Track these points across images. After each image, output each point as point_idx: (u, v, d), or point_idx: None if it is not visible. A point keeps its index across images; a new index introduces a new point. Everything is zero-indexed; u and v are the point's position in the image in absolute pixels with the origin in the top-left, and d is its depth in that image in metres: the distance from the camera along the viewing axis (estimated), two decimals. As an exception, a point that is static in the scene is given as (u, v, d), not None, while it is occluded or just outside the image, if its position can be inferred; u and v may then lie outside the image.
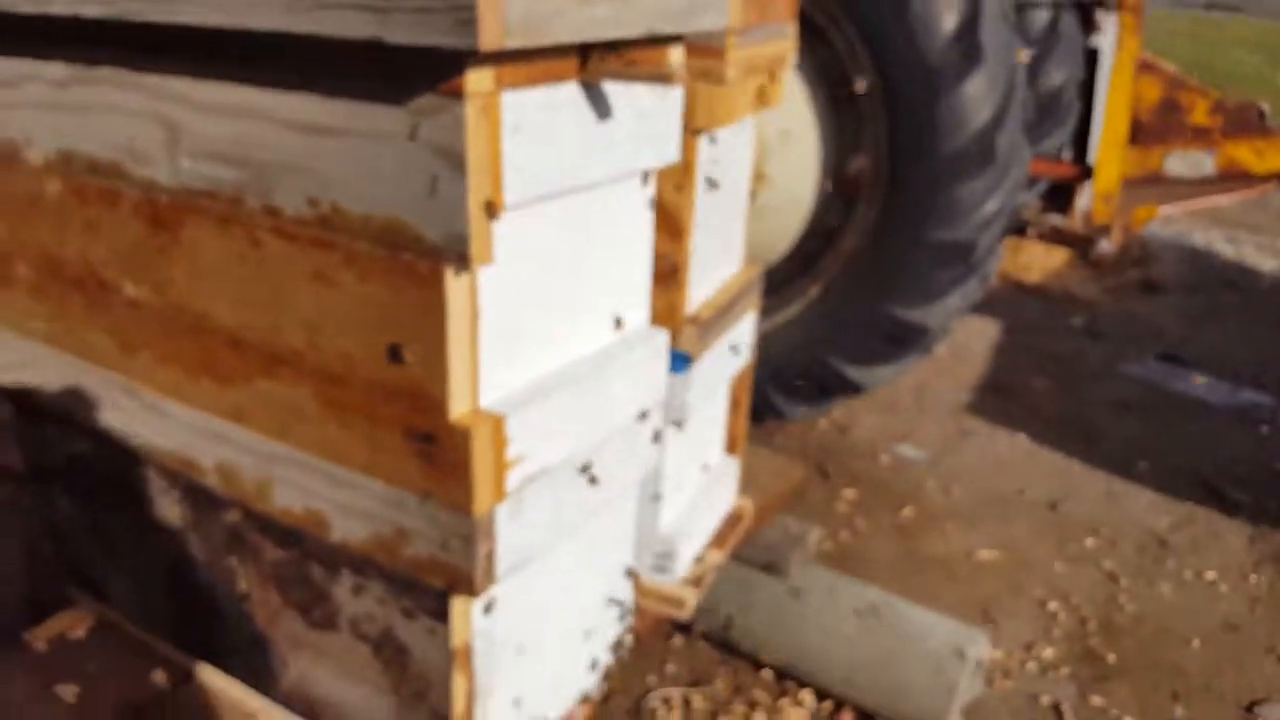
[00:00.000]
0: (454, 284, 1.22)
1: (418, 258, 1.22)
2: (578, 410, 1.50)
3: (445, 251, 1.19)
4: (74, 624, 2.00)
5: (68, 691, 1.83)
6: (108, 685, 1.85)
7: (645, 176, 1.57)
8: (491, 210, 1.18)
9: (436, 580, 1.42)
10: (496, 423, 1.32)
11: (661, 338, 1.68)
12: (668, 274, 1.84)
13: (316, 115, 1.28)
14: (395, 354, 1.30)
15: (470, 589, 1.39)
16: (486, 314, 1.29)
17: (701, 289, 1.98)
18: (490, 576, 1.41)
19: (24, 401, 1.94)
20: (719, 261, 2.06)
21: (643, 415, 1.69)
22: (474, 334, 1.28)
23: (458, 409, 1.31)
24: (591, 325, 1.57)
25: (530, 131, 1.24)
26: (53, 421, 1.91)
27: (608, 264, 1.56)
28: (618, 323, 1.60)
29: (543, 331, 1.45)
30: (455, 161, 1.15)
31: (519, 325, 1.38)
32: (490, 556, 1.39)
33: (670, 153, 1.55)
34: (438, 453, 1.33)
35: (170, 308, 1.59)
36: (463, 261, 1.18)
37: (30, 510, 2.08)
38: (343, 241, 1.30)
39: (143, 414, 1.72)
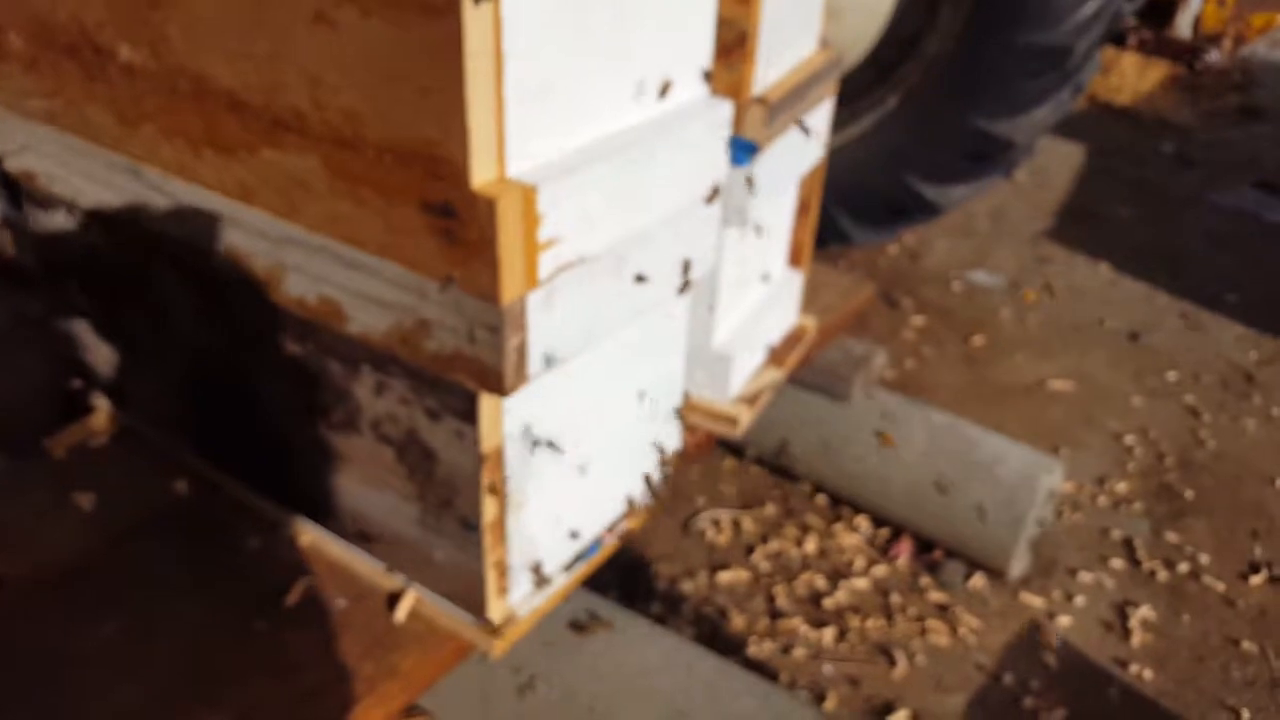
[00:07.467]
0: (472, 14, 1.00)
1: (428, -19, 1.01)
2: (623, 191, 1.30)
3: (460, -30, 0.98)
4: (94, 431, 1.92)
5: (85, 499, 1.75)
6: (126, 494, 1.78)
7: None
8: (516, -85, 0.96)
9: (463, 377, 1.27)
10: (526, 194, 1.13)
11: (724, 110, 1.45)
12: (733, 44, 1.59)
13: None
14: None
15: (499, 387, 1.24)
16: (512, 57, 1.08)
17: (772, 67, 1.72)
18: (522, 374, 1.25)
19: (30, 187, 1.80)
20: (793, 36, 1.80)
21: (699, 204, 1.49)
22: (498, 82, 1.07)
23: (481, 176, 1.12)
24: (640, 91, 1.35)
25: None
26: (61, 211, 1.77)
27: (662, 14, 1.33)
28: (664, 89, 1.37)
29: (580, 91, 1.23)
30: None
31: (552, 79, 1.17)
32: (521, 351, 1.23)
33: None
34: (459, 229, 1.15)
35: (168, 71, 1.40)
36: (481, -18, 0.97)
37: (48, 315, 1.97)
38: (344, -29, 1.09)
39: (148, 196, 1.57)
